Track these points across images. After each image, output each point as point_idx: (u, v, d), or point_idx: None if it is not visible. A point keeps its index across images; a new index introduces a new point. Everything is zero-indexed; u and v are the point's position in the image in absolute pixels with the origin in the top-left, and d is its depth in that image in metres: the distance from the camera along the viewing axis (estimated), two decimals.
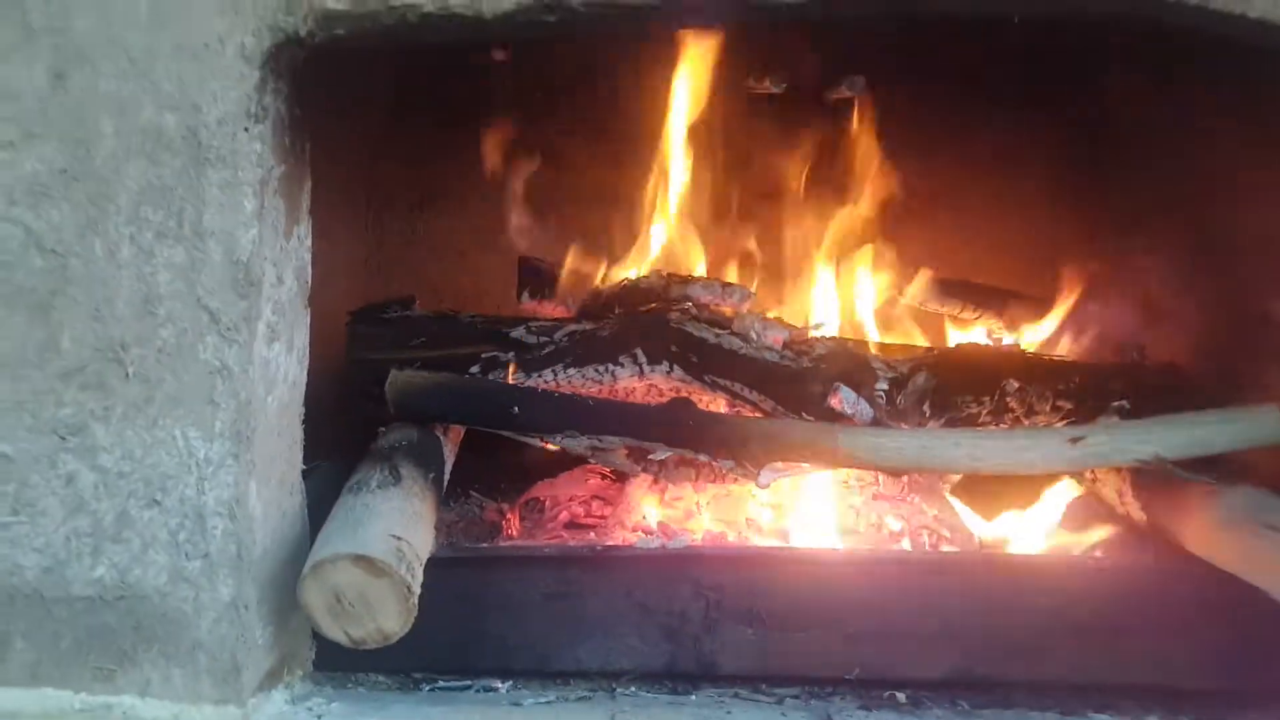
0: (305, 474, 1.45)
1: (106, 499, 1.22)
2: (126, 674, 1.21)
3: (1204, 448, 1.40)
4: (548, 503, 1.88)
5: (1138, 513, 1.55)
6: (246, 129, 1.12)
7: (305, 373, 1.39)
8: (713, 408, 1.67)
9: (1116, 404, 1.51)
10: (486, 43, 1.17)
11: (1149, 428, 1.41)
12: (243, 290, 1.17)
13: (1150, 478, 1.50)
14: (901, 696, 1.41)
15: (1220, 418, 1.41)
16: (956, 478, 1.74)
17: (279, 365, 1.28)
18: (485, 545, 1.71)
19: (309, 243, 1.33)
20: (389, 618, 1.23)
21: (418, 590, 1.27)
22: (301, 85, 1.23)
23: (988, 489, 1.76)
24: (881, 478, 1.76)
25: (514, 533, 1.78)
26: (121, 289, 1.16)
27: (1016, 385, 1.62)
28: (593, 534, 1.75)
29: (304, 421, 1.43)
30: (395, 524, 1.31)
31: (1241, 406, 1.44)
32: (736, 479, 1.57)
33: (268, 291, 1.22)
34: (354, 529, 1.28)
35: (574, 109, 2.09)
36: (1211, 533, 1.38)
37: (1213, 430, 1.40)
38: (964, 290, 1.89)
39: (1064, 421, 1.59)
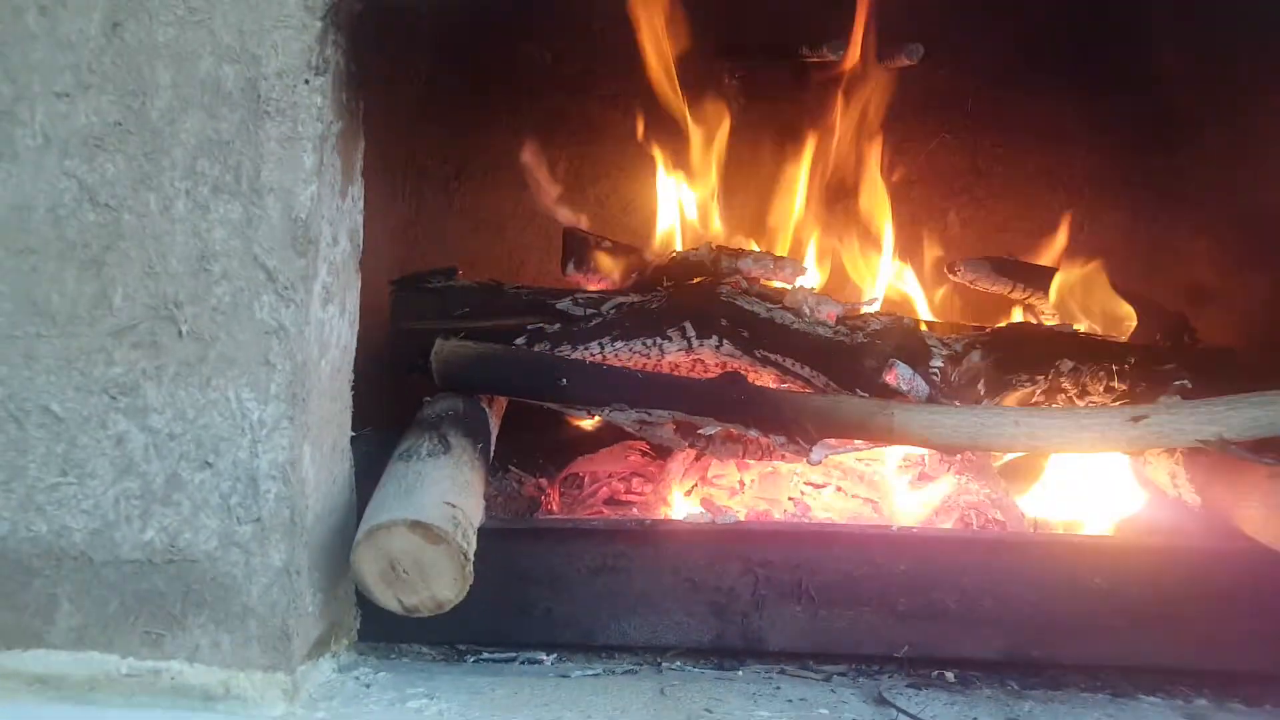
0: (354, 443, 1.44)
1: (157, 460, 1.19)
2: (175, 639, 1.19)
3: (1269, 429, 1.37)
4: (587, 479, 1.86)
5: (1191, 495, 1.52)
6: (308, 81, 1.09)
7: (355, 337, 1.36)
8: (762, 383, 1.65)
9: (1178, 383, 1.47)
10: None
11: (1213, 408, 1.38)
12: (301, 248, 1.14)
13: (1204, 459, 1.47)
14: (951, 675, 1.40)
15: None
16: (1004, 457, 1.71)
17: (333, 328, 1.26)
18: (531, 518, 1.69)
19: (361, 204, 1.31)
20: (445, 586, 1.21)
21: (472, 558, 1.25)
22: (359, 39, 1.20)
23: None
24: (927, 456, 1.74)
25: (554, 508, 1.77)
26: (176, 245, 1.14)
27: (1071, 365, 1.59)
28: (634, 510, 1.73)
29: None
30: (449, 491, 1.28)
31: None
32: (787, 455, 1.55)
33: (324, 251, 1.19)
34: (408, 495, 1.26)
35: (614, 79, 2.05)
36: (1273, 515, 1.35)
37: (1275, 411, 1.37)
38: (1014, 269, 1.85)
39: (1118, 402, 1.56)
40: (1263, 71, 1.74)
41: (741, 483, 1.80)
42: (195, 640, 1.18)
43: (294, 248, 1.14)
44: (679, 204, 1.93)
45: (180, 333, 1.16)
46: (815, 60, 1.77)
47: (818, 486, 1.80)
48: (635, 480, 1.87)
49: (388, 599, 1.22)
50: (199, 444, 1.19)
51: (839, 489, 1.80)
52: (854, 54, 1.76)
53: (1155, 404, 1.41)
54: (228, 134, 1.11)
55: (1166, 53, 1.92)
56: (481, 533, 1.38)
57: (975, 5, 1.88)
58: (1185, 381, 1.48)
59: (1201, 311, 1.99)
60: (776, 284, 1.69)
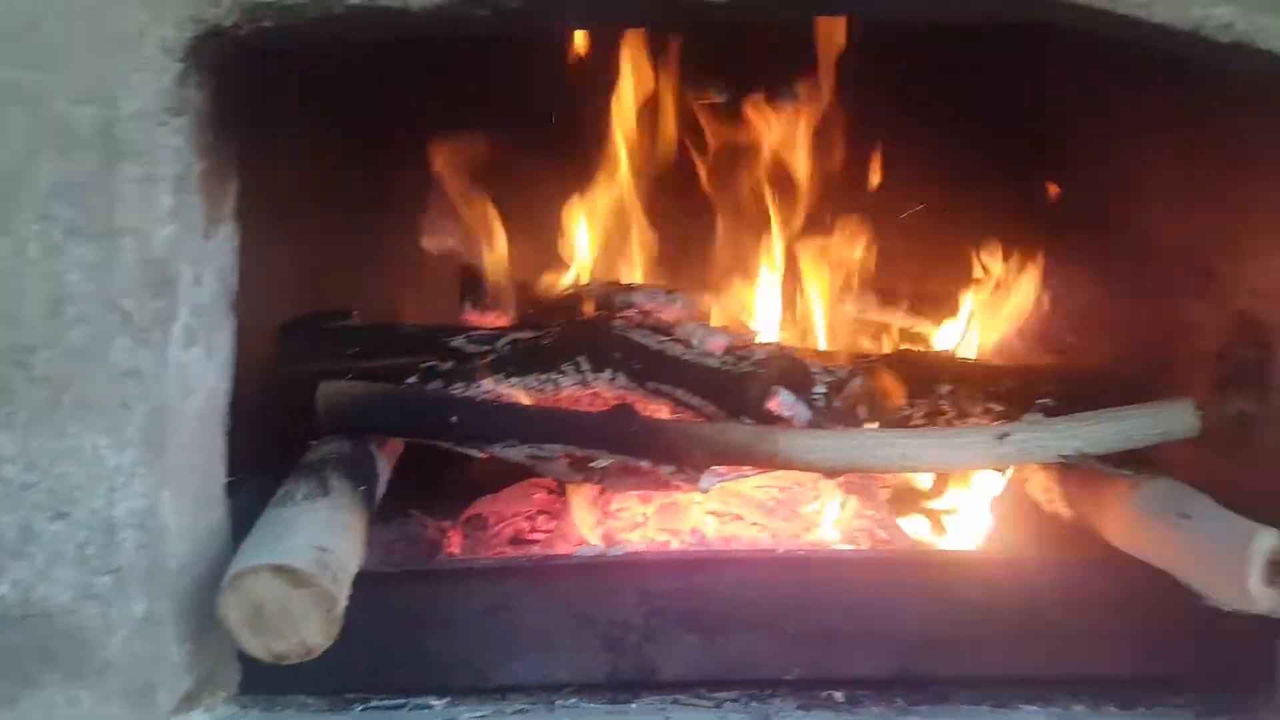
0: (236, 490, 1.41)
1: (9, 512, 1.16)
2: (30, 698, 1.15)
3: (1125, 442, 1.43)
4: (491, 519, 1.85)
5: (1064, 509, 1.57)
6: (164, 123, 1.08)
7: (228, 381, 1.34)
8: (657, 415, 1.67)
9: (1041, 402, 1.53)
10: (419, 39, 1.14)
11: (1072, 424, 1.44)
12: (157, 290, 1.13)
13: (1074, 474, 1.52)
14: (839, 695, 1.41)
15: (1139, 412, 1.45)
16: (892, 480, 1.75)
17: (197, 371, 1.24)
18: (425, 560, 1.67)
19: (233, 244, 1.29)
20: (313, 630, 1.19)
21: (343, 601, 1.22)
22: (230, 80, 1.20)
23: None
24: (822, 482, 1.77)
25: (456, 550, 1.75)
26: (28, 289, 1.11)
27: (949, 388, 1.65)
28: (536, 548, 1.72)
29: (234, 434, 1.38)
30: (320, 535, 1.27)
31: (1159, 401, 1.46)
32: (679, 485, 1.56)
33: (184, 292, 1.18)
34: (276, 540, 1.24)
35: (527, 119, 2.07)
36: (1130, 524, 1.41)
37: (1132, 425, 1.43)
38: (901, 298, 1.91)
39: (996, 422, 1.61)
40: (1129, 110, 1.83)
41: (645, 515, 1.81)
42: (51, 698, 1.14)
43: (149, 290, 1.12)
44: (584, 240, 1.95)
45: (33, 378, 1.13)
46: (705, 102, 1.82)
47: (719, 515, 1.82)
48: (540, 518, 1.86)
49: (255, 647, 1.19)
50: (53, 493, 1.16)
51: (739, 517, 1.82)
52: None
53: (1019, 422, 1.46)
54: (82, 176, 1.09)
55: (1052, 100, 2.01)
56: (368, 577, 1.36)
57: (866, 47, 1.95)
58: (1048, 400, 1.53)
59: (1086, 336, 2.07)
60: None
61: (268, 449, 1.52)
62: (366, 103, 1.90)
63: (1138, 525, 1.42)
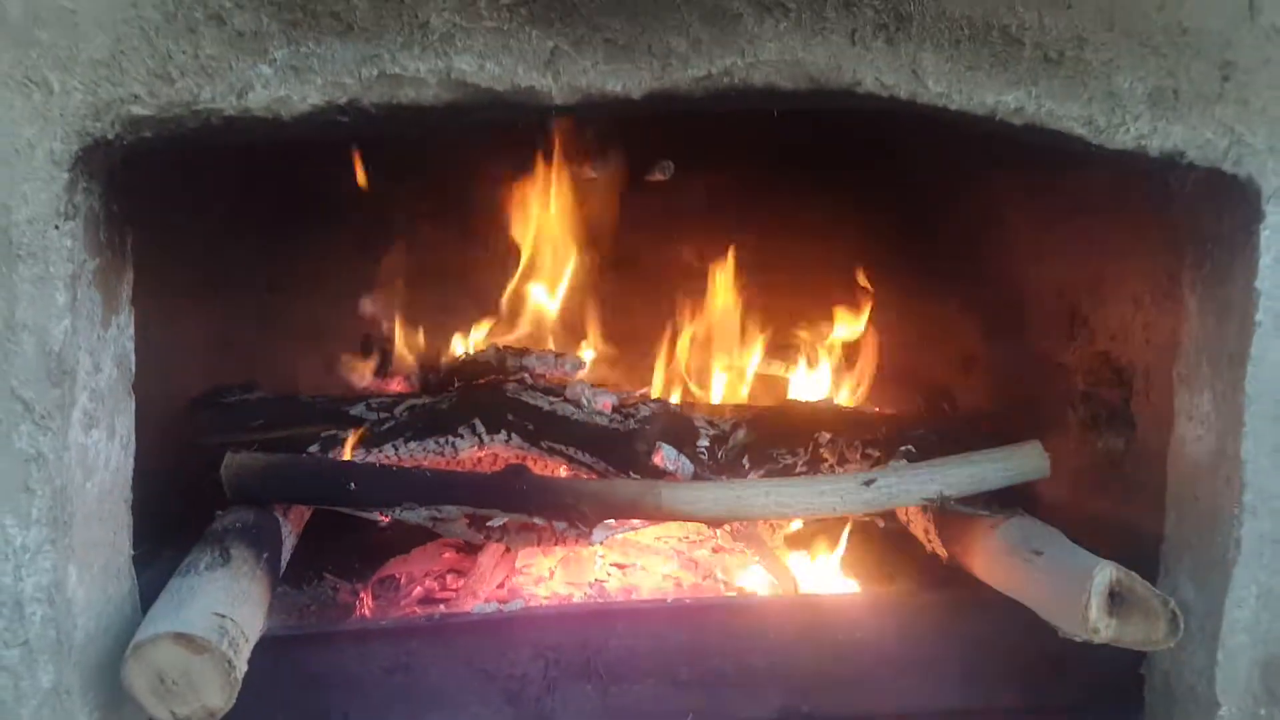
0: (147, 563, 1.47)
1: None
2: None
3: (980, 484, 1.54)
4: (402, 579, 1.91)
5: (940, 549, 1.68)
6: (57, 226, 1.17)
7: (131, 459, 1.41)
8: (553, 473, 1.76)
9: (903, 449, 1.63)
10: (293, 140, 1.24)
11: (932, 469, 1.55)
12: (55, 379, 1.20)
13: (948, 516, 1.63)
14: None
15: (991, 456, 1.56)
16: (789, 527, 1.85)
17: (99, 451, 1.31)
18: (328, 622, 1.73)
19: (130, 331, 1.38)
20: (213, 694, 1.25)
21: (242, 665, 1.29)
22: (119, 184, 1.29)
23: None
24: (719, 531, 1.86)
25: (367, 612, 1.81)
26: None
27: (828, 437, 1.74)
28: (443, 607, 1.79)
29: (141, 508, 1.44)
30: (219, 602, 1.33)
31: (1010, 445, 1.58)
32: (574, 540, 1.65)
33: (83, 379, 1.26)
34: (176, 609, 1.31)
35: (424, 192, 2.18)
36: (992, 561, 1.51)
37: (986, 468, 1.55)
38: (785, 351, 2.02)
39: (873, 467, 1.72)
40: (988, 166, 1.97)
41: (551, 571, 1.89)
42: None
43: (49, 379, 1.20)
44: (481, 309, 2.05)
45: None
46: (586, 177, 1.94)
47: (621, 567, 1.91)
48: (449, 577, 1.94)
49: (161, 711, 1.25)
50: None
51: (642, 567, 1.91)
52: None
53: (884, 468, 1.57)
54: None
55: (921, 153, 2.15)
56: (273, 640, 1.43)
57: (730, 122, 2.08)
58: (910, 447, 1.64)
59: (968, 379, 2.20)
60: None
61: (180, 521, 1.59)
62: (261, 183, 1.99)
63: (997, 562, 1.52)
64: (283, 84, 1.15)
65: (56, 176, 1.17)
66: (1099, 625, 1.32)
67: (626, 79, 1.15)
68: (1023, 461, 1.55)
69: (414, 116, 1.18)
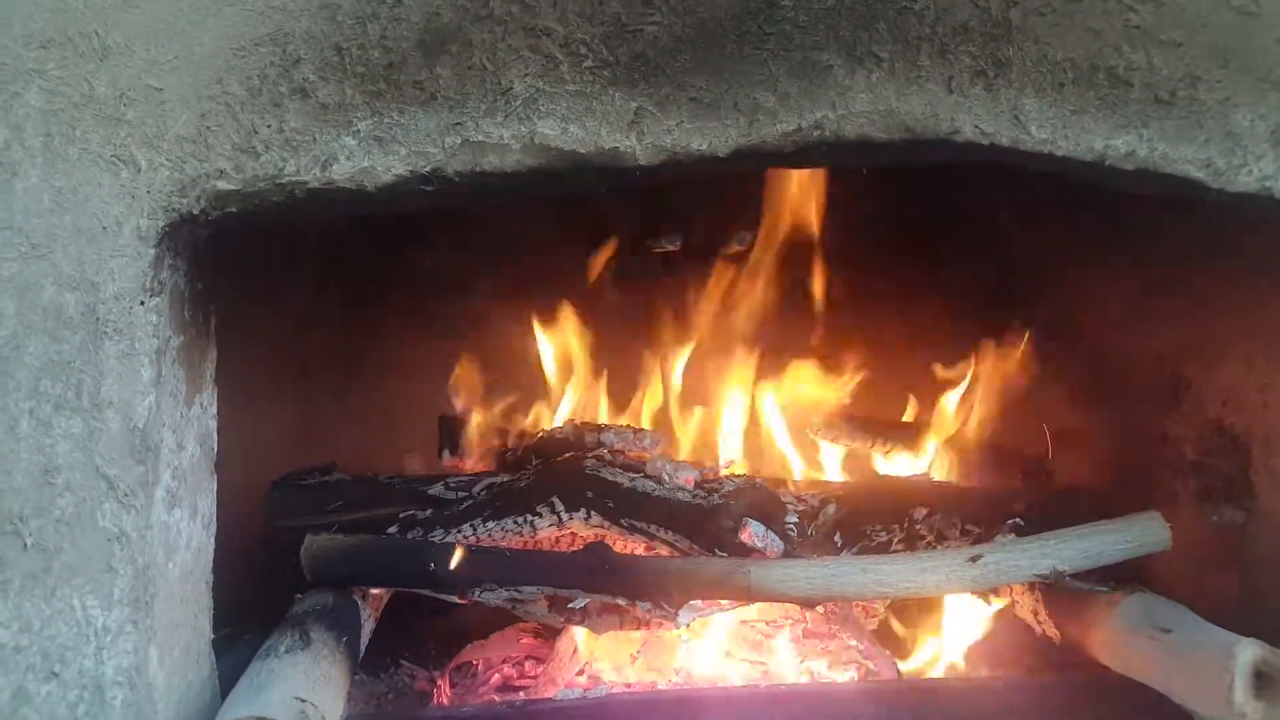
0: (228, 646, 1.45)
1: (3, 676, 1.20)
2: None
3: (1096, 559, 1.44)
4: (480, 666, 1.86)
5: (1052, 631, 1.56)
6: (143, 302, 1.18)
7: (213, 539, 1.40)
8: (633, 550, 1.69)
9: (1011, 521, 1.54)
10: (378, 212, 1.24)
11: (1043, 542, 1.45)
12: (139, 456, 1.20)
13: (1058, 594, 1.52)
14: None
15: (1108, 528, 1.45)
16: (880, 610, 1.75)
17: (180, 531, 1.30)
18: (404, 709, 1.68)
19: (214, 410, 1.37)
20: None
21: None
22: (203, 261, 1.30)
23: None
24: (809, 614, 1.77)
25: (445, 700, 1.75)
26: (20, 461, 1.19)
27: (925, 512, 1.66)
28: (522, 694, 1.73)
29: (224, 591, 1.43)
30: (300, 687, 1.30)
31: (1128, 516, 1.48)
32: (658, 621, 1.57)
33: (166, 457, 1.25)
34: (256, 692, 1.27)
35: (496, 276, 2.19)
36: (1114, 642, 1.41)
37: (1102, 540, 1.44)
38: (873, 425, 1.95)
39: (974, 544, 1.62)
40: (1082, 233, 1.91)
41: (633, 656, 1.81)
42: None
43: (133, 456, 1.19)
44: (557, 388, 2.03)
45: (25, 545, 1.20)
46: (658, 250, 1.92)
47: (706, 653, 1.82)
48: (528, 664, 1.87)
49: None
50: (45, 655, 1.21)
51: (728, 653, 1.81)
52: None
53: (991, 543, 1.48)
54: (69, 355, 1.18)
55: (1007, 230, 2.10)
56: None
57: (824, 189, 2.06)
58: (1018, 520, 1.54)
59: (1064, 454, 2.09)
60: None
61: (258, 605, 1.57)
62: (339, 270, 2.02)
63: (1119, 642, 1.42)
64: (366, 155, 1.15)
65: (143, 253, 1.18)
66: (1245, 709, 1.21)
67: (713, 137, 1.12)
68: (1142, 532, 1.45)
69: (497, 184, 1.17)
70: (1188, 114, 1.16)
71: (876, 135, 1.13)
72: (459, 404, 1.95)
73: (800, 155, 1.14)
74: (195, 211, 1.17)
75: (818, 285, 2.09)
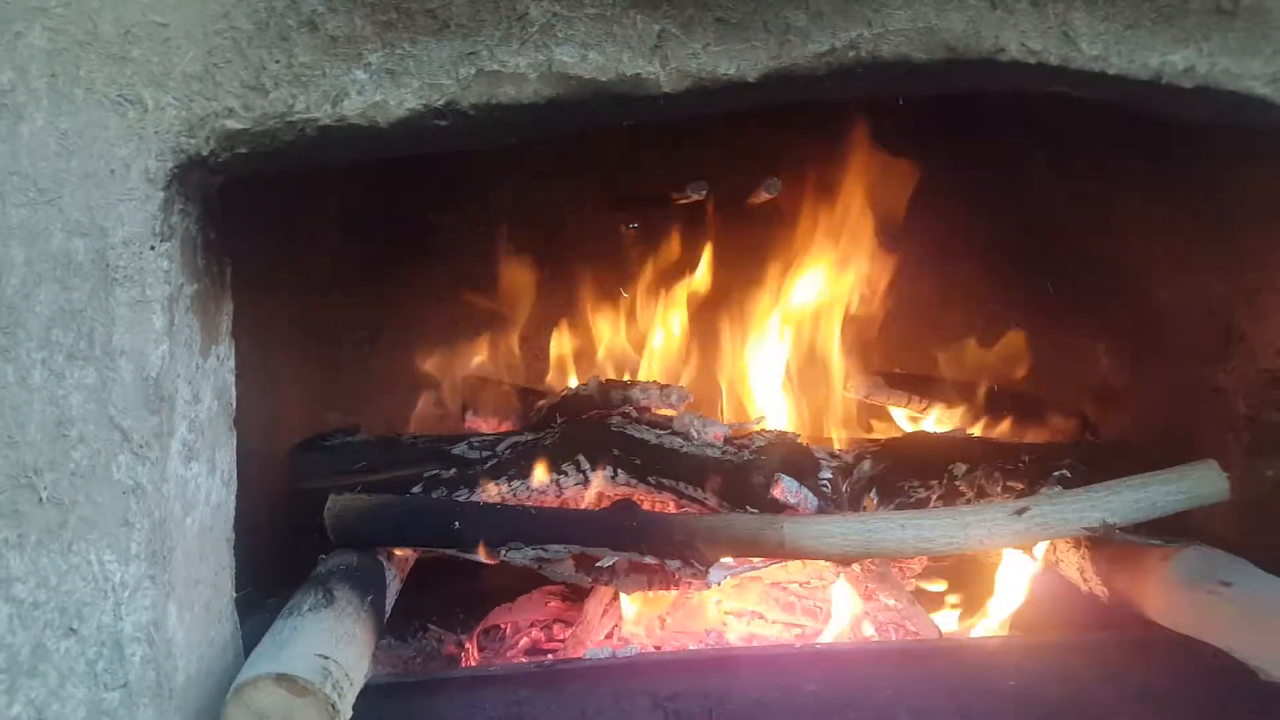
0: (254, 607, 1.42)
1: (22, 631, 1.17)
2: None
3: (1150, 510, 1.37)
4: (507, 629, 1.83)
5: (1100, 588, 1.50)
6: (153, 247, 1.14)
7: (232, 495, 1.37)
8: (661, 509, 1.65)
9: (1057, 474, 1.48)
10: (392, 155, 1.20)
11: (1092, 495, 1.39)
12: (154, 406, 1.16)
13: (1104, 550, 1.46)
14: None
15: (1162, 478, 1.39)
16: (917, 569, 1.70)
17: (199, 485, 1.27)
18: (432, 670, 1.65)
19: (231, 364, 1.34)
20: None
21: (347, 710, 1.22)
22: (216, 208, 1.26)
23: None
24: (842, 575, 1.72)
25: (473, 663, 1.73)
26: (34, 413, 1.16)
27: (965, 468, 1.60)
28: (550, 657, 1.70)
29: (249, 553, 1.40)
30: (323, 644, 1.27)
31: (1182, 465, 1.41)
32: (688, 580, 1.53)
33: (182, 409, 1.21)
34: (278, 650, 1.24)
35: (515, 235, 2.15)
36: (1169, 598, 1.35)
37: (1156, 491, 1.38)
38: (906, 382, 1.89)
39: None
40: (1121, 178, 1.83)
41: (661, 619, 1.77)
42: None
43: (147, 406, 1.16)
44: (581, 345, 1.99)
45: (41, 499, 1.17)
46: (684, 201, 1.86)
47: (738, 615, 1.77)
48: (556, 627, 1.84)
49: None
50: (63, 611, 1.18)
51: (759, 615, 1.77)
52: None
53: (1036, 495, 1.42)
54: (80, 303, 1.15)
55: (1042, 180, 2.02)
56: (376, 689, 1.36)
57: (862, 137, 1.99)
58: (1065, 472, 1.48)
59: (1106, 410, 2.02)
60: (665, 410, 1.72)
61: (283, 566, 1.54)
62: (358, 230, 1.98)
63: (1176, 598, 1.36)
64: (378, 88, 1.11)
65: (152, 195, 1.14)
66: None
67: (740, 60, 1.06)
68: (1198, 482, 1.38)
69: (514, 117, 1.11)
70: (1252, 24, 1.08)
71: (916, 55, 1.06)
72: (483, 365, 1.91)
73: (834, 80, 1.07)
74: (204, 153, 1.13)
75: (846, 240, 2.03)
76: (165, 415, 1.18)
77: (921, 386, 1.88)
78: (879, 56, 1.06)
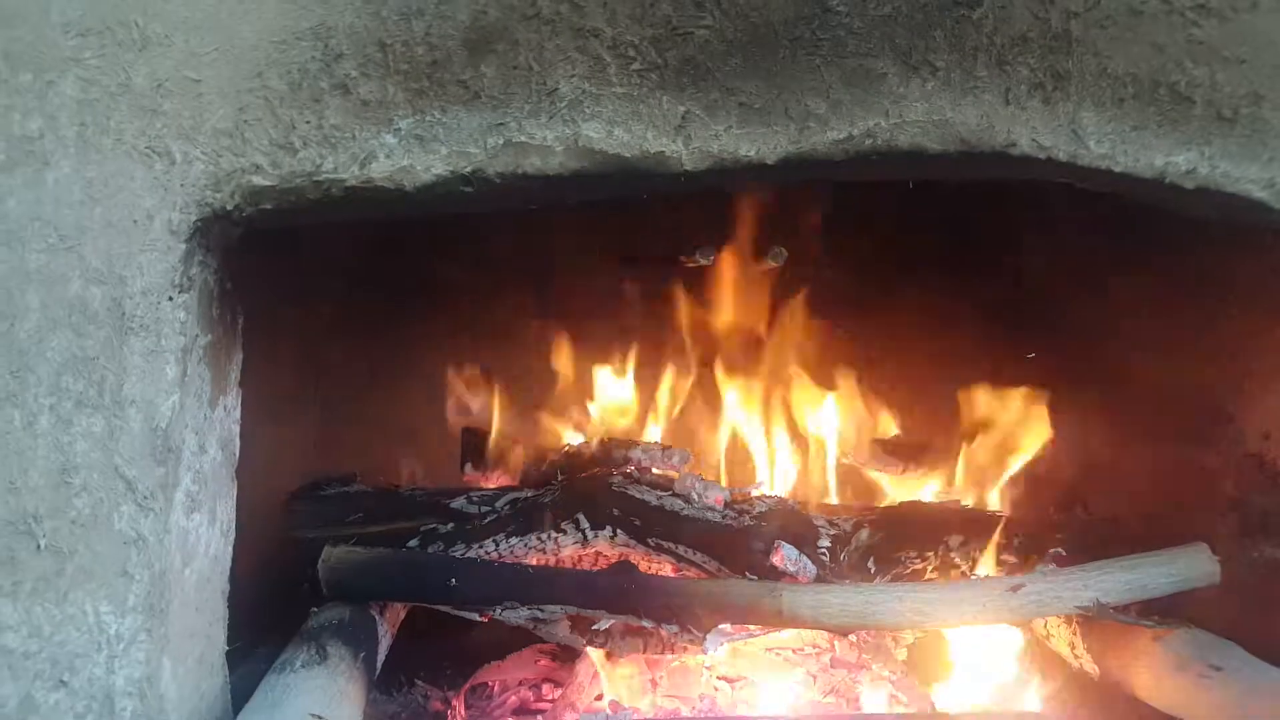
0: (242, 658, 1.41)
1: (11, 682, 1.16)
2: None
3: (1141, 592, 1.39)
4: (495, 687, 1.81)
5: (1090, 665, 1.51)
6: (171, 298, 1.15)
7: (230, 547, 1.36)
8: (659, 572, 1.65)
9: (1052, 551, 1.49)
10: (413, 217, 1.21)
11: (1085, 573, 1.40)
12: (160, 457, 1.16)
13: (1096, 627, 1.47)
14: None
15: (1154, 560, 1.40)
16: (909, 639, 1.70)
17: (199, 537, 1.26)
18: None
19: (237, 414, 1.34)
20: None
21: None
22: (234, 259, 1.27)
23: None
24: (837, 642, 1.72)
25: None
26: (37, 459, 1.15)
27: (960, 540, 1.61)
28: (539, 719, 1.68)
29: (239, 602, 1.39)
30: (316, 702, 1.25)
31: (1174, 548, 1.42)
32: (684, 646, 1.53)
33: (188, 460, 1.21)
34: (272, 709, 1.23)
35: (519, 289, 2.16)
36: (1159, 680, 1.35)
37: (1148, 573, 1.39)
38: (902, 450, 1.90)
39: (1011, 574, 1.57)
40: (1114, 259, 1.87)
41: (653, 682, 1.75)
42: None
43: (154, 457, 1.16)
44: (583, 403, 1.99)
45: (39, 547, 1.16)
46: (691, 264, 1.88)
47: (730, 680, 1.76)
48: (545, 686, 1.82)
49: None
50: (54, 662, 1.16)
51: (753, 682, 1.76)
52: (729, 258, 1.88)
53: (1032, 573, 1.43)
54: (93, 350, 1.15)
55: (1030, 249, 2.06)
56: None
57: (854, 208, 2.03)
58: (1060, 550, 1.49)
59: (1099, 486, 2.04)
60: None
61: (273, 616, 1.52)
62: (364, 281, 1.99)
63: (1165, 679, 1.36)
64: (407, 153, 1.12)
65: (174, 247, 1.15)
66: None
67: (761, 143, 1.09)
68: (1189, 565, 1.40)
69: (538, 187, 1.13)
70: (1251, 132, 1.13)
71: (930, 146, 1.09)
72: (482, 418, 1.91)
73: (851, 165, 1.10)
74: (229, 207, 1.14)
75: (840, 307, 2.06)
76: (171, 466, 1.18)
77: (914, 453, 1.89)
78: (895, 146, 1.09)
